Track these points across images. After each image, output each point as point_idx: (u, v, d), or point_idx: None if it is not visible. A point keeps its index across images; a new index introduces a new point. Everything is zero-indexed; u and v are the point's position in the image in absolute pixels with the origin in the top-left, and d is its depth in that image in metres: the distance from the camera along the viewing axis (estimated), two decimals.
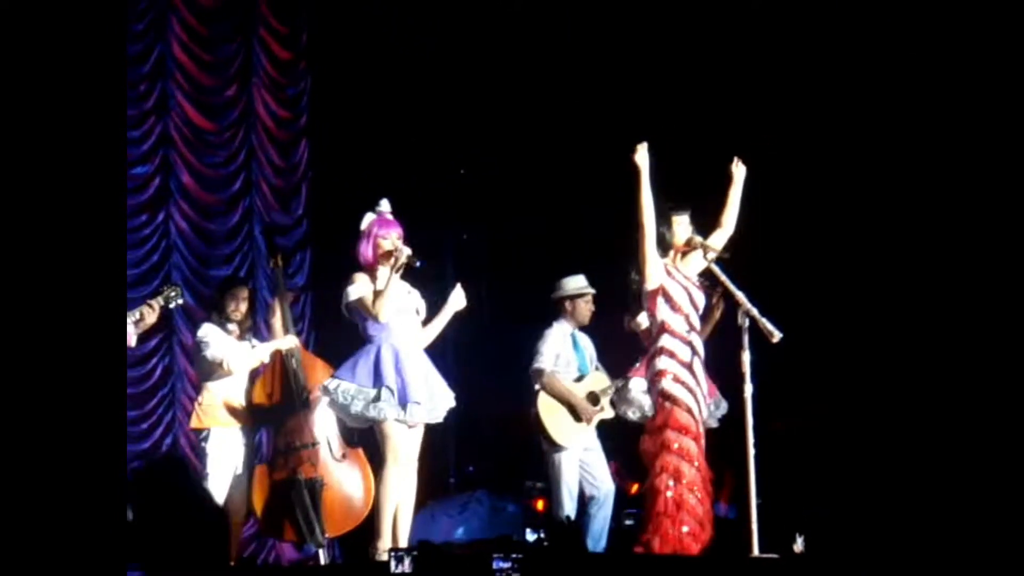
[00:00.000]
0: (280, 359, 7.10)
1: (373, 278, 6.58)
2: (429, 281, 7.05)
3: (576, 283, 7.75)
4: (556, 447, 7.51)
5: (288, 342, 7.14)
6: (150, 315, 6.74)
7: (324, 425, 7.04)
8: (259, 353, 7.08)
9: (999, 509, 7.55)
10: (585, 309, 7.74)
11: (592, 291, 7.75)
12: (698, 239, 6.52)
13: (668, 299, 6.40)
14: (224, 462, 6.94)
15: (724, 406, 7.24)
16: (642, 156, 6.37)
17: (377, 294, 6.51)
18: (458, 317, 6.88)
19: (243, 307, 7.21)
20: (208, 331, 7.11)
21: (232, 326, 7.19)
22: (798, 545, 6.21)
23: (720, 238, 6.60)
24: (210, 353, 7.03)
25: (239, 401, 7.05)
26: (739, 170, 6.69)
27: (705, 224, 6.61)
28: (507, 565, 4.68)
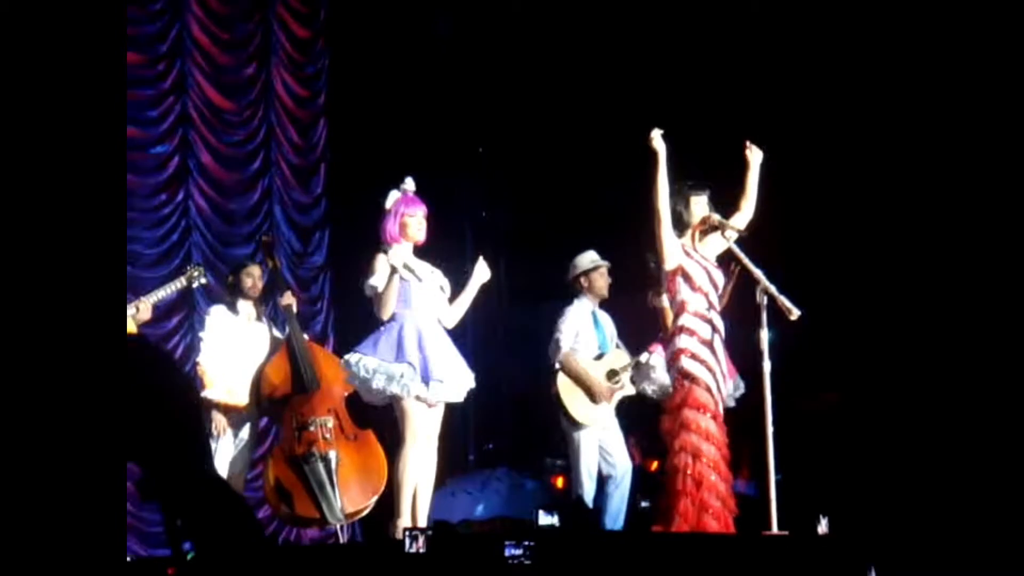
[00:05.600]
0: (286, 346, 7.12)
1: (393, 257, 6.58)
2: (449, 259, 7.06)
3: (588, 258, 7.73)
4: (576, 425, 7.50)
5: None
6: (145, 311, 6.83)
7: (334, 404, 7.05)
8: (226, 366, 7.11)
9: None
10: (601, 282, 7.71)
11: (605, 264, 7.73)
12: (715, 217, 6.49)
13: (687, 279, 6.39)
14: (224, 443, 6.99)
15: (742, 386, 7.23)
16: (659, 141, 6.34)
17: (379, 295, 6.53)
18: (479, 294, 6.88)
19: (259, 284, 7.27)
20: (213, 314, 7.22)
21: (247, 306, 7.23)
22: (822, 526, 6.18)
23: (739, 221, 6.56)
24: (203, 334, 7.21)
25: (243, 384, 7.07)
26: (755, 154, 6.63)
27: (723, 205, 6.57)
28: (519, 552, 4.66)
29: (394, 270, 6.46)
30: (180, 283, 7.17)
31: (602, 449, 7.52)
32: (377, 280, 6.54)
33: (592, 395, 7.49)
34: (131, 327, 6.71)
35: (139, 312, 6.82)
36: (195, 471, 2.93)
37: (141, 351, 2.92)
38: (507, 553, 4.62)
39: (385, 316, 6.55)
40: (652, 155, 6.34)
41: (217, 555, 2.98)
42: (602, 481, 7.54)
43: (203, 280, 7.28)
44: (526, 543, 4.56)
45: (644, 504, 7.60)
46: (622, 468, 7.51)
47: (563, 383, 7.52)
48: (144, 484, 2.87)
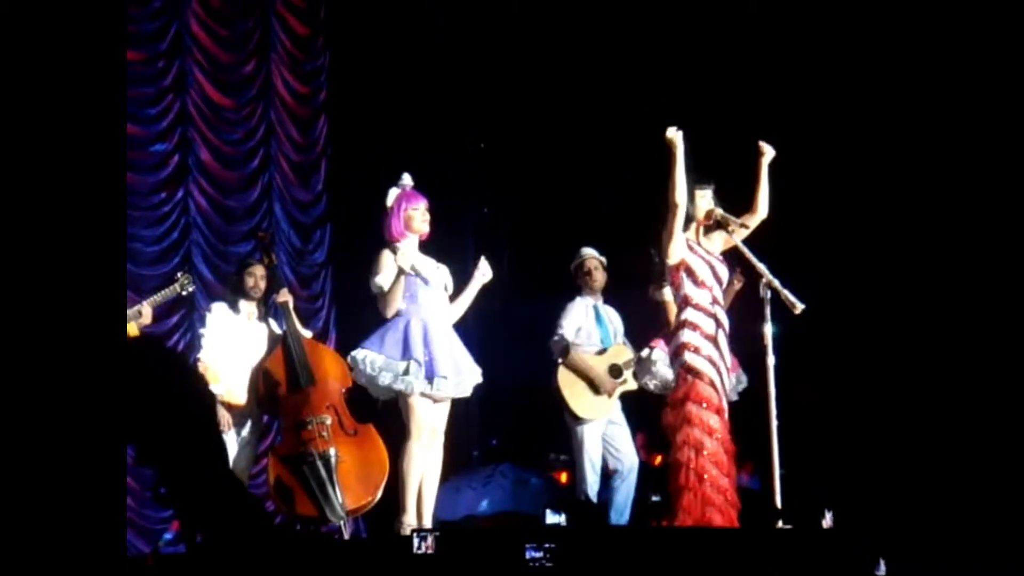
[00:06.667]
0: (282, 345, 7.10)
1: (398, 255, 6.58)
2: (451, 255, 7.06)
3: (579, 253, 7.76)
4: (578, 420, 7.50)
5: None
6: (147, 315, 6.86)
7: (332, 401, 7.02)
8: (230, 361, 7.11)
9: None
10: (588, 277, 7.70)
11: (590, 257, 7.72)
12: (719, 212, 6.48)
13: (691, 274, 6.37)
14: (228, 439, 6.99)
15: (744, 380, 7.26)
16: (677, 135, 6.32)
17: (384, 294, 6.53)
18: (482, 289, 6.87)
19: (262, 284, 7.24)
20: (214, 311, 7.21)
21: (248, 305, 7.22)
22: (827, 520, 6.18)
23: (753, 220, 6.54)
24: (202, 331, 7.21)
25: (243, 382, 7.06)
26: (767, 155, 6.58)
27: (730, 202, 6.55)
28: (539, 554, 4.66)
29: (401, 271, 6.48)
30: (173, 289, 7.18)
31: (610, 444, 7.53)
32: (383, 279, 6.56)
33: (595, 386, 7.49)
34: (134, 331, 6.71)
35: (142, 317, 6.84)
36: (213, 469, 2.93)
37: (155, 353, 2.93)
38: (527, 556, 4.62)
39: (389, 315, 6.58)
40: (669, 150, 6.32)
41: (229, 548, 2.98)
42: (609, 475, 7.55)
43: (190, 288, 7.31)
44: (547, 545, 4.55)
45: (655, 498, 7.57)
46: (629, 463, 7.52)
47: (563, 377, 7.53)
48: (160, 485, 2.87)
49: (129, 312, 6.72)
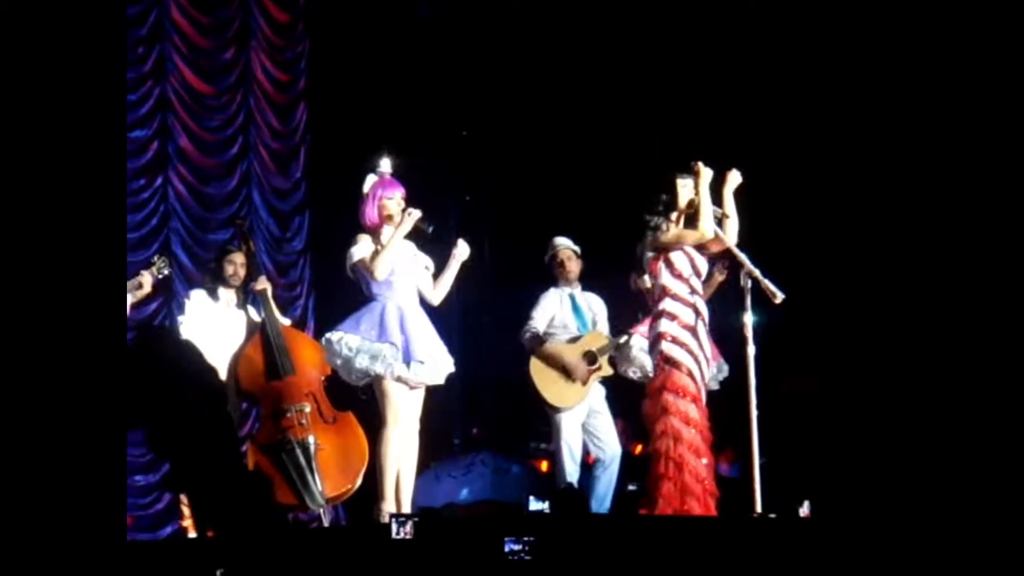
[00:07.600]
0: (260, 333, 7.08)
1: (376, 239, 6.54)
2: (433, 243, 7.03)
3: (551, 243, 7.77)
4: (554, 408, 7.51)
5: None
6: (148, 284, 6.86)
7: (311, 389, 7.01)
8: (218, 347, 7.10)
9: (1004, 472, 7.57)
10: (560, 268, 7.71)
11: (560, 248, 7.73)
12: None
13: (669, 264, 6.39)
14: None
15: (725, 369, 7.28)
16: (705, 169, 6.34)
17: (377, 252, 6.46)
18: (463, 277, 6.85)
19: (241, 272, 7.23)
20: (193, 298, 7.21)
21: (227, 292, 7.21)
22: (804, 509, 6.21)
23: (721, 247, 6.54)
24: (181, 318, 7.25)
25: (222, 370, 7.05)
26: (730, 183, 6.55)
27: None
28: (518, 547, 4.65)
29: (399, 223, 6.42)
30: (151, 273, 7.17)
31: (592, 433, 7.54)
32: (359, 252, 6.49)
33: (568, 374, 7.49)
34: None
35: (142, 287, 6.87)
36: (228, 457, 2.93)
37: (173, 344, 2.93)
38: (506, 548, 4.61)
39: (381, 275, 6.43)
40: (695, 181, 6.34)
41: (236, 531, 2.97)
42: (591, 464, 7.56)
43: (166, 271, 7.31)
44: (525, 538, 4.55)
45: (631, 487, 7.60)
46: (611, 452, 7.52)
47: (535, 367, 7.55)
48: (177, 472, 2.87)
49: (129, 284, 6.75)
